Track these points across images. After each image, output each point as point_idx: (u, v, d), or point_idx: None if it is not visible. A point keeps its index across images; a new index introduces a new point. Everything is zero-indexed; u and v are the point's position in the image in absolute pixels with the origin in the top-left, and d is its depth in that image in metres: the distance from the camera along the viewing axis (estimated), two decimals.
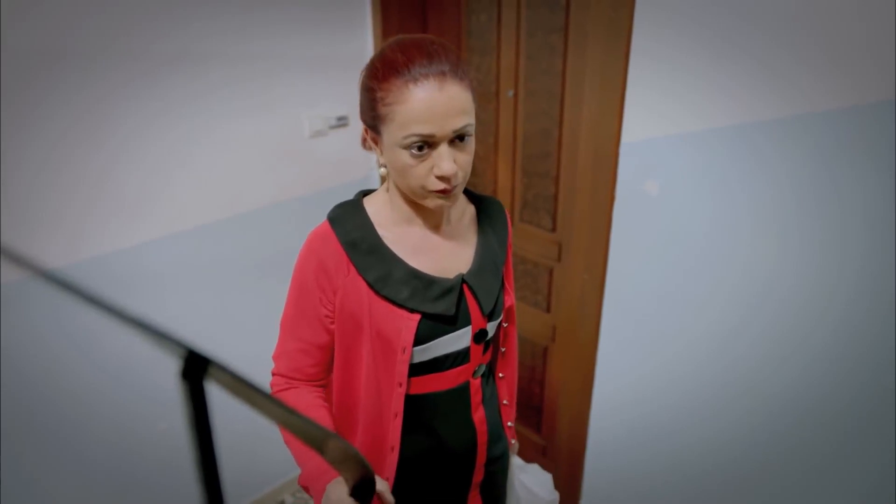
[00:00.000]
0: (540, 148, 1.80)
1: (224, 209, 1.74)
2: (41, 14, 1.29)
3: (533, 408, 2.16)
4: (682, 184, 1.30)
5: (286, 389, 0.94)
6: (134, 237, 1.56)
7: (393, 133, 0.80)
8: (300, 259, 0.93)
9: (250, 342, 1.95)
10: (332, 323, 0.92)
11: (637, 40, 1.28)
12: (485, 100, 1.92)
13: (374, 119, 0.82)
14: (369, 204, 0.93)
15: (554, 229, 1.84)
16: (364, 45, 1.95)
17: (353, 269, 0.88)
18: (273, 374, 0.97)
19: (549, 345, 1.99)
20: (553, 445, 2.09)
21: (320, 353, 0.94)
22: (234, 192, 1.76)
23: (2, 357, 1.37)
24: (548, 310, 1.95)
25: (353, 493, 0.56)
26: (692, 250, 1.32)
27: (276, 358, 0.96)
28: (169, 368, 1.63)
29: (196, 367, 0.32)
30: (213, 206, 1.72)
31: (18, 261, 0.32)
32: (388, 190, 0.92)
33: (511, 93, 1.82)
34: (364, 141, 0.89)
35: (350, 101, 1.98)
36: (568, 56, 1.63)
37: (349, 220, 0.90)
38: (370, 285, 0.87)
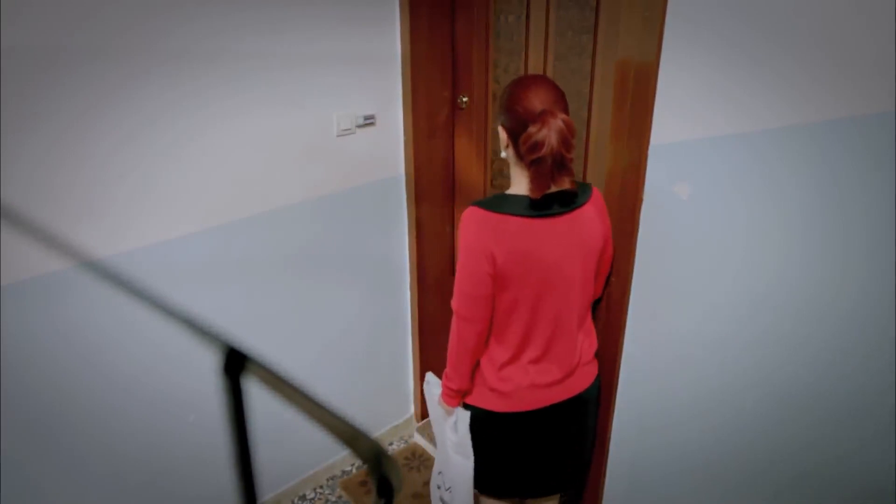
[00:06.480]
0: None
1: (252, 206, 1.77)
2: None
3: None
4: (710, 188, 1.28)
5: None
6: (161, 233, 1.59)
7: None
8: None
9: (278, 338, 1.97)
10: None
11: (669, 41, 1.27)
12: None
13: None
14: None
15: None
16: (392, 44, 1.96)
17: None
18: None
19: None
20: None
21: None
22: (263, 190, 1.78)
23: (2, 356, 1.38)
24: None
25: (379, 491, 0.56)
26: (719, 255, 1.30)
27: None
28: (190, 363, 1.66)
29: (236, 363, 0.33)
30: (242, 203, 1.75)
31: (67, 251, 0.33)
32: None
33: None
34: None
35: (378, 100, 1.99)
36: (597, 57, 1.62)
37: None
38: None
